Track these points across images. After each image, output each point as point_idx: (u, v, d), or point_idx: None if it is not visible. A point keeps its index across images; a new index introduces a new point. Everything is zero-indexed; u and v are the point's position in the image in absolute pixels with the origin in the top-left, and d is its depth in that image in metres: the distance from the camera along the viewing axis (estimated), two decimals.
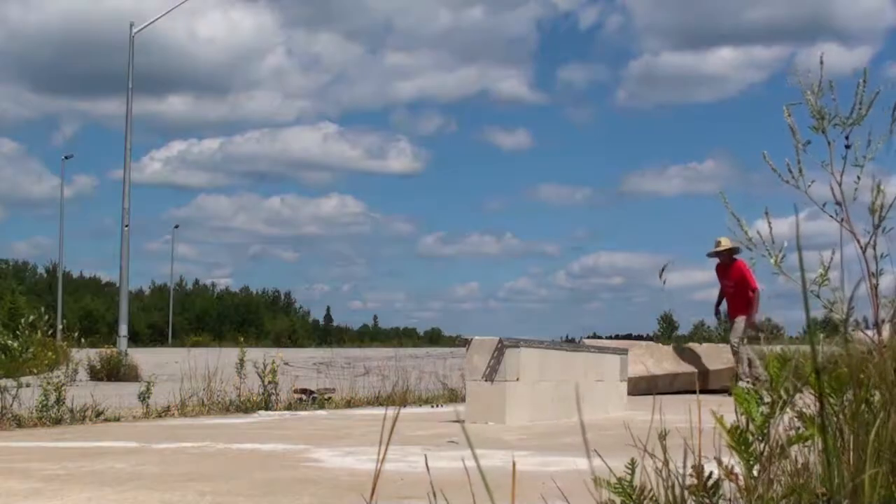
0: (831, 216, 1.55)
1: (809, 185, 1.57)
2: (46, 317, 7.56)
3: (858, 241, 1.53)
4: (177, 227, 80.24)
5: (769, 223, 1.49)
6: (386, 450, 1.15)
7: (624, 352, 8.13)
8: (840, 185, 1.56)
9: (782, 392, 1.45)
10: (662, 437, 1.50)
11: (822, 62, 1.58)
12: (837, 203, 1.56)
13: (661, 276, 1.63)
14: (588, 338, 12.72)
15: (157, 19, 24.58)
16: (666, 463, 1.46)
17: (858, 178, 1.55)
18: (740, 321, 10.75)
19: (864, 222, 1.55)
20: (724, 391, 9.59)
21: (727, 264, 10.87)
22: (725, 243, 10.79)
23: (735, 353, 10.64)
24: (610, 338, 16.57)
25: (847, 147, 1.56)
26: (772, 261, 1.51)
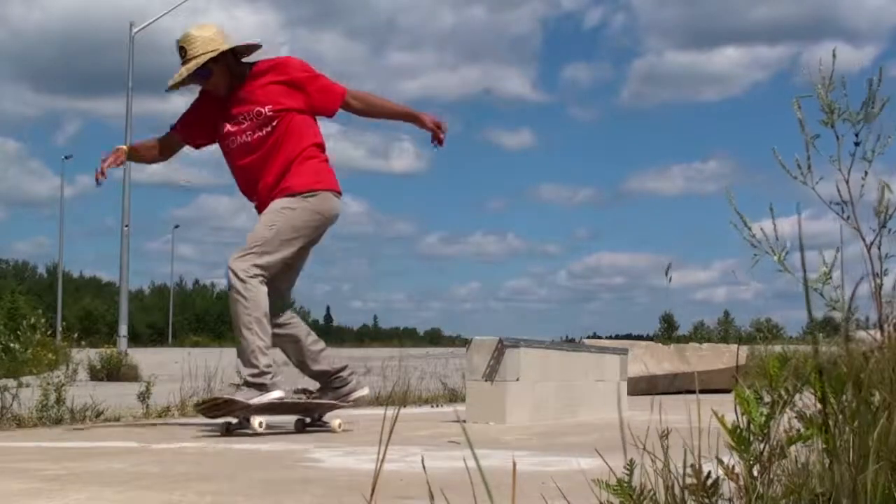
0: (837, 213, 1.56)
1: (817, 182, 1.57)
2: (43, 319, 7.57)
3: (864, 240, 1.53)
4: (177, 227, 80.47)
5: (773, 221, 1.49)
6: (386, 449, 1.15)
7: (624, 352, 8.13)
8: (847, 182, 1.56)
9: (782, 392, 1.46)
10: (663, 437, 1.50)
11: (834, 55, 1.58)
12: (843, 201, 1.56)
13: (666, 274, 1.63)
14: (588, 338, 12.73)
15: (157, 19, 24.59)
16: (666, 463, 1.46)
17: (866, 173, 1.55)
18: (288, 214, 4.49)
19: (869, 222, 1.55)
20: (725, 391, 9.58)
21: (234, 85, 4.61)
22: (205, 40, 4.51)
23: (240, 299, 4.34)
24: (610, 338, 16.59)
25: (856, 144, 1.56)
26: (775, 258, 1.51)
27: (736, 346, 13.21)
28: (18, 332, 8.20)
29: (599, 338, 13.66)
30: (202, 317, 79.80)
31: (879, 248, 1.54)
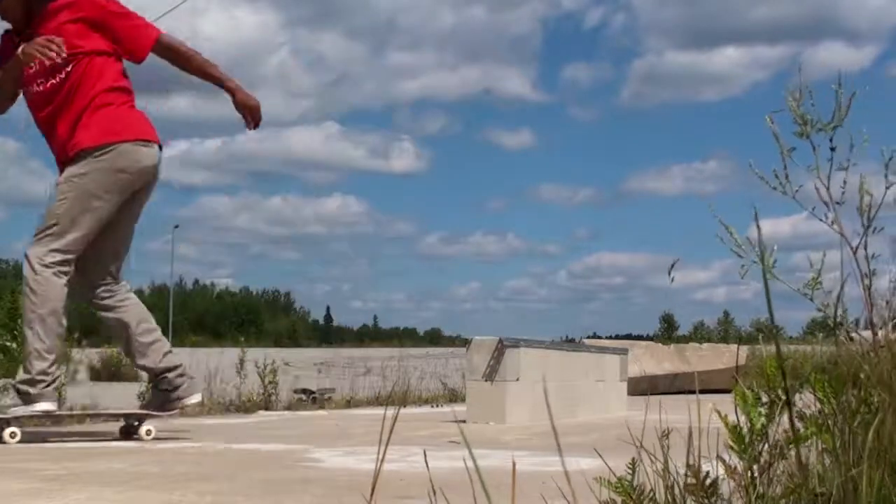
0: (821, 220, 1.57)
1: (797, 190, 1.59)
2: None
3: (849, 244, 1.54)
4: (177, 227, 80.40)
5: (758, 226, 1.49)
6: (386, 449, 1.15)
7: (624, 352, 8.15)
8: (828, 188, 1.57)
9: (780, 392, 1.46)
10: (664, 436, 1.51)
11: (800, 69, 1.60)
12: (825, 203, 1.57)
13: (669, 273, 1.64)
14: (588, 338, 12.74)
15: (157, 19, 24.58)
16: (666, 463, 1.46)
17: (845, 181, 1.56)
18: (79, 182, 3.92)
19: (856, 222, 1.56)
20: (725, 391, 9.54)
21: (31, 22, 4.00)
22: None
23: (28, 292, 3.86)
24: (610, 338, 16.60)
25: (832, 150, 1.57)
26: (761, 266, 1.52)
27: (736, 346, 13.22)
28: (15, 332, 8.19)
29: (599, 338, 13.67)
30: (202, 316, 79.89)
31: (866, 249, 1.54)
